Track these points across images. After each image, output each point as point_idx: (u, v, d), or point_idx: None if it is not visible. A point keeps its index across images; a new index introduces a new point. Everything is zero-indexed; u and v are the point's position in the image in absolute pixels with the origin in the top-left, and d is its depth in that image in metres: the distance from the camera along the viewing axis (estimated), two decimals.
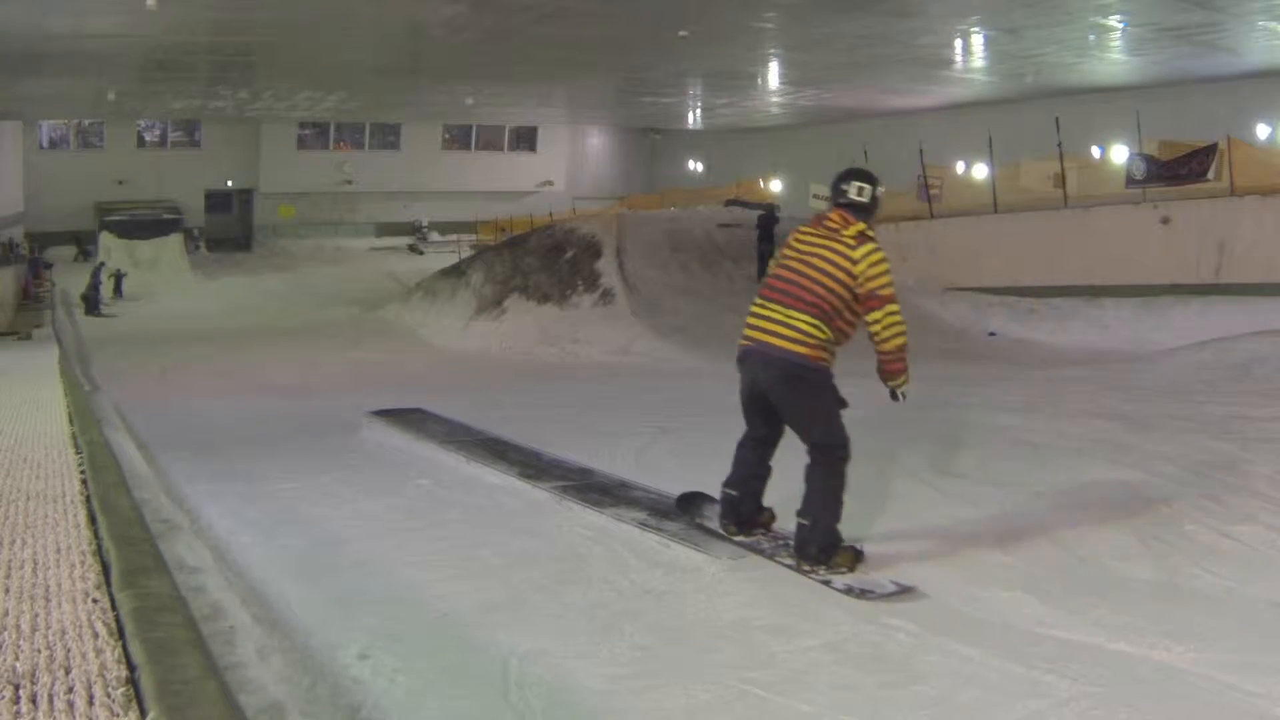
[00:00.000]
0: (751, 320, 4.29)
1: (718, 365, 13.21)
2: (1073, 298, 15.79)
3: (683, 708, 3.12)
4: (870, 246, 4.05)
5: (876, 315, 4.09)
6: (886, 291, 4.06)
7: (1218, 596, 3.91)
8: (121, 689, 2.54)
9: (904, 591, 3.99)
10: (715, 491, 4.78)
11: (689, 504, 4.88)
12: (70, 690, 2.54)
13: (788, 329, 4.10)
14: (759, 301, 4.29)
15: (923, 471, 6.06)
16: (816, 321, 4.06)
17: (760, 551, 4.44)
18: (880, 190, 4.25)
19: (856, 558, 4.19)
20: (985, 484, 5.71)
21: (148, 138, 33.57)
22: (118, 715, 2.41)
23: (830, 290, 4.05)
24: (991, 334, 15.89)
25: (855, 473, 6.10)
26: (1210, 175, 15.96)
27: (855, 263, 4.03)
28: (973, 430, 7.41)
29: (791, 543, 4.29)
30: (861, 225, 4.08)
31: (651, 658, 3.49)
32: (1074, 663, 3.30)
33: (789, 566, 4.23)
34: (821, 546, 4.15)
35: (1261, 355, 10.07)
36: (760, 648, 3.53)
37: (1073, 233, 16.36)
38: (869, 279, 4.01)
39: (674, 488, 5.75)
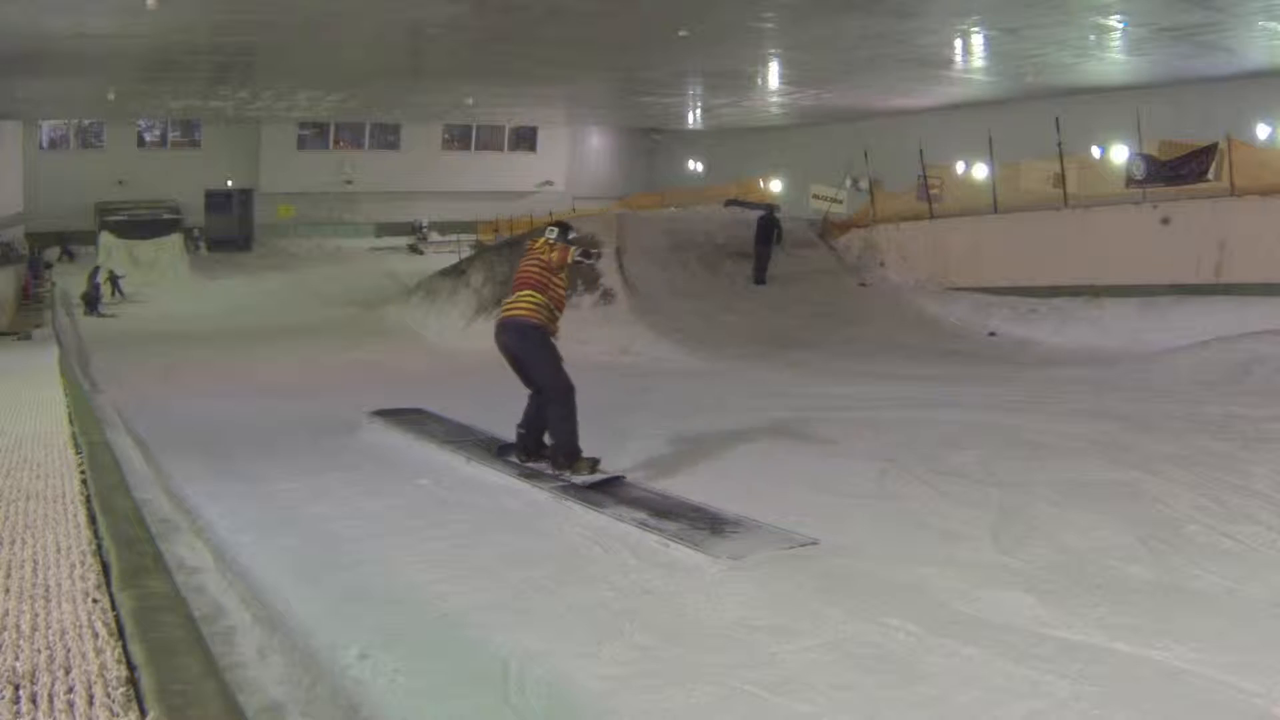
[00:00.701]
0: (504, 306, 6.30)
1: (718, 365, 13.24)
2: (1073, 298, 15.76)
3: (683, 708, 3.12)
4: (551, 249, 6.23)
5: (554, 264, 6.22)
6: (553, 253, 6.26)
7: (1218, 596, 3.91)
8: (121, 689, 2.54)
9: (616, 479, 5.80)
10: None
11: (503, 451, 6.68)
12: (70, 690, 2.54)
13: (519, 303, 6.12)
14: (510, 296, 6.28)
15: (923, 471, 6.06)
16: (534, 293, 6.10)
17: (543, 471, 6.10)
18: (572, 234, 6.45)
19: (594, 464, 5.94)
20: (985, 484, 5.71)
21: (148, 138, 33.50)
22: (118, 715, 2.41)
23: (537, 272, 6.18)
24: (991, 334, 15.86)
25: (854, 472, 6.14)
26: (1210, 175, 15.92)
27: (542, 255, 6.23)
28: (973, 430, 7.41)
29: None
30: (544, 240, 6.31)
31: (651, 658, 3.49)
32: (1074, 663, 3.30)
33: (550, 474, 5.97)
34: (565, 455, 5.98)
35: (1261, 355, 10.08)
36: (760, 648, 3.53)
37: (1073, 233, 16.33)
38: (549, 255, 6.18)
39: (674, 488, 5.76)
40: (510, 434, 7.44)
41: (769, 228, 18.55)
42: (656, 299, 16.61)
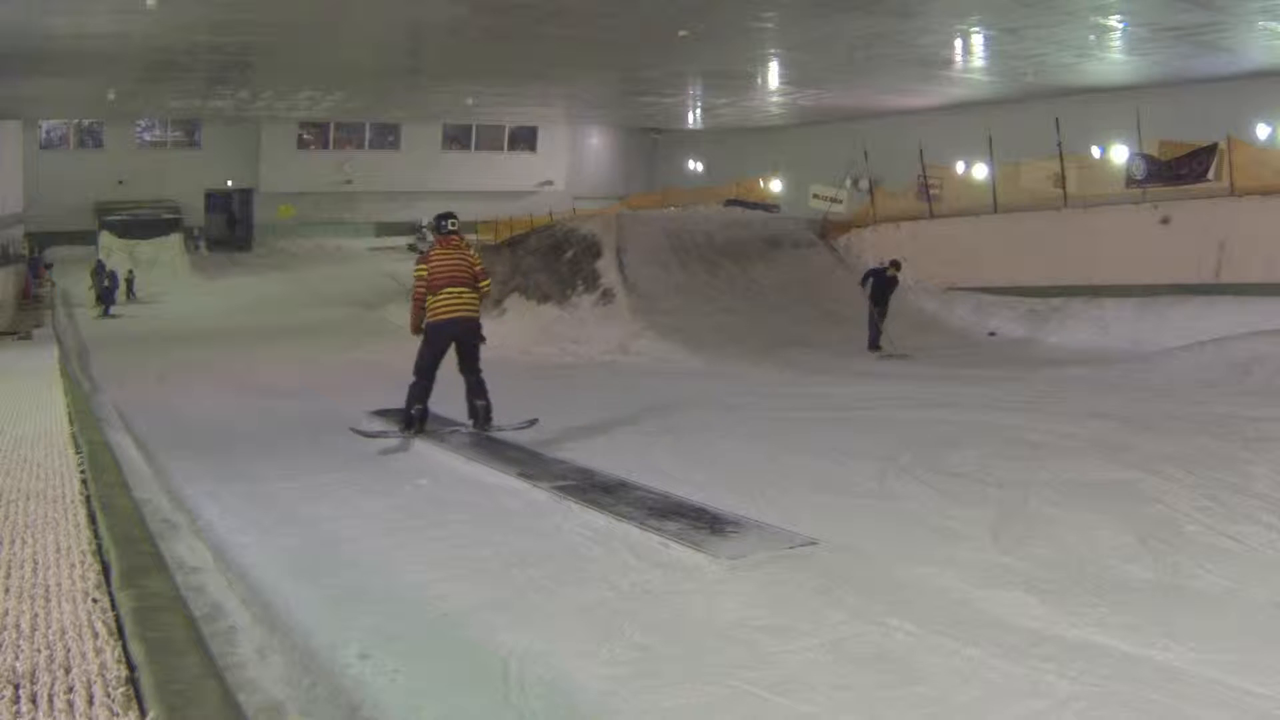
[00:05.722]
0: (448, 305, 7.40)
1: (718, 365, 13.25)
2: (1073, 298, 15.77)
3: (682, 708, 3.12)
4: (469, 249, 7.78)
5: (484, 282, 7.70)
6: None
7: (1218, 596, 3.91)
8: (121, 689, 2.54)
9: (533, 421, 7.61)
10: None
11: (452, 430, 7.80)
12: (70, 690, 2.54)
13: (467, 303, 7.42)
14: (450, 291, 7.40)
15: (923, 471, 6.06)
16: (471, 291, 7.45)
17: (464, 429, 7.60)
18: (453, 221, 7.71)
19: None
20: (985, 484, 5.71)
21: (148, 138, 33.55)
22: (118, 715, 2.41)
23: (467, 271, 7.48)
24: (991, 334, 15.87)
25: (854, 472, 6.14)
26: (1210, 175, 15.93)
27: (469, 256, 7.61)
28: (973, 430, 7.41)
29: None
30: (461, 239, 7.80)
31: (651, 658, 3.49)
32: (1074, 663, 3.29)
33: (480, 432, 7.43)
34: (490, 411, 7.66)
35: (1261, 355, 10.08)
36: (760, 648, 3.53)
37: (1073, 233, 16.34)
38: (469, 254, 7.66)
39: (674, 488, 5.76)
40: (509, 433, 7.52)
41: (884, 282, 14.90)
42: (656, 299, 16.61)
